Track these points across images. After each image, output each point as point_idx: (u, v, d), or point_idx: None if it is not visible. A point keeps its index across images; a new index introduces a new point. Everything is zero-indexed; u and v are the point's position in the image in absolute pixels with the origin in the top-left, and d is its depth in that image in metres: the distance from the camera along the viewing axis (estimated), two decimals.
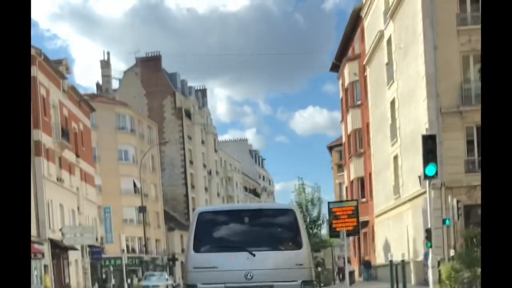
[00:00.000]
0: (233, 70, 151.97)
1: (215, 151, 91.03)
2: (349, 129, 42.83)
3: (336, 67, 47.58)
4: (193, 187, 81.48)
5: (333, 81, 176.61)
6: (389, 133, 33.66)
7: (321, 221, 35.16)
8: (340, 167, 54.35)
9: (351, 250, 47.80)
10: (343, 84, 44.96)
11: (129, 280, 55.84)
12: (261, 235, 9.27)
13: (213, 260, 9.02)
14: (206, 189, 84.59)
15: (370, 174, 39.47)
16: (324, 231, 43.14)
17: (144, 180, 66.56)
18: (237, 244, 9.07)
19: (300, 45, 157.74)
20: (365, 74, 39.74)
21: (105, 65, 77.84)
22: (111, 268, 58.12)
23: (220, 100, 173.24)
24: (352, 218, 34.15)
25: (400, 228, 32.30)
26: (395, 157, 32.78)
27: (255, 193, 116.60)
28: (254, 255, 8.91)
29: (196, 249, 9.10)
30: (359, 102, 41.38)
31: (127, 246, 63.53)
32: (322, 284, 33.91)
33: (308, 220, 35.16)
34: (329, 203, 33.43)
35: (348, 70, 42.26)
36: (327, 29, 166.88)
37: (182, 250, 72.97)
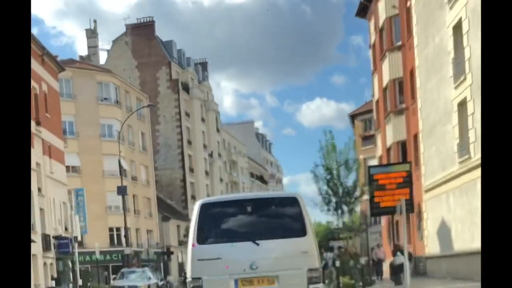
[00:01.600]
0: (240, 62, 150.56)
1: (217, 130, 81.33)
2: (385, 80, 33.03)
3: (364, 9, 37.77)
4: (191, 170, 71.88)
5: (341, 73, 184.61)
6: (451, 72, 23.89)
7: (358, 193, 25.48)
8: (366, 139, 44.54)
9: (383, 237, 38.08)
10: (376, 24, 35.16)
11: (112, 280, 46.30)
12: (265, 224, 9.13)
13: (217, 251, 8.84)
14: (207, 173, 74.94)
15: (415, 136, 29.70)
16: (359, 209, 33.57)
17: (132, 161, 56.94)
18: (240, 234, 8.98)
19: (307, 37, 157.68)
20: (408, 4, 29.99)
21: (91, 34, 68.29)
22: (89, 266, 48.89)
23: (227, 93, 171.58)
24: (403, 188, 24.65)
25: (469, 204, 22.53)
26: (462, 103, 23.02)
27: (262, 179, 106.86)
28: (258, 245, 8.81)
29: (200, 241, 8.92)
30: (399, 43, 31.58)
31: (111, 238, 54.14)
32: (326, 281, 24.52)
33: (340, 191, 25.46)
34: (370, 167, 23.91)
35: (384, 4, 32.48)
36: (335, 20, 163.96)
37: (179, 243, 63.54)
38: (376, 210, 26.10)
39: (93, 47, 68.53)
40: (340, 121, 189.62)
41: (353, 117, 49.60)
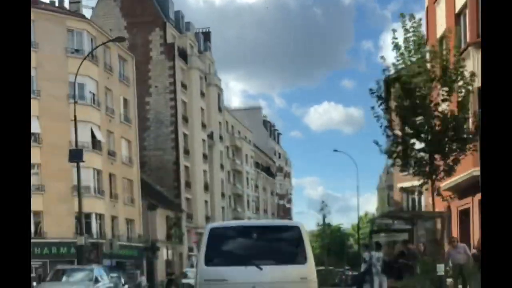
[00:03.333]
0: (249, 63, 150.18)
1: (219, 110, 70.18)
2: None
3: None
4: (186, 152, 60.74)
5: (350, 77, 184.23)
6: None
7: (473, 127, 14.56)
8: None
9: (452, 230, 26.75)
10: None
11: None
12: (268, 250, 9.73)
13: (223, 273, 9.46)
14: (205, 157, 63.74)
15: None
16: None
17: (110, 132, 45.82)
18: (245, 259, 9.53)
19: (318, 40, 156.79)
20: None
21: None
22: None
23: (235, 94, 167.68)
24: None
25: None
26: None
27: (268, 171, 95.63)
28: (261, 269, 9.37)
29: (207, 262, 9.51)
30: None
31: (78, 226, 42.78)
32: None
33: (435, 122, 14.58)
34: None
35: None
36: (346, 24, 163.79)
37: (167, 237, 52.42)
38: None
39: (75, 2, 57.45)
40: (348, 125, 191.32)
41: None
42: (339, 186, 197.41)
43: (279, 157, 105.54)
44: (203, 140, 63.10)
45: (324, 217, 48.37)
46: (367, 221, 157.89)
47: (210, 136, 66.00)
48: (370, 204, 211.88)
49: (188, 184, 60.39)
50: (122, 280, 27.78)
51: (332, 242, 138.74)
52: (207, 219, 63.09)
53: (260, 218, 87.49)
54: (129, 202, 47.73)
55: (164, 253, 46.92)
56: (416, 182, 21.48)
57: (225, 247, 9.72)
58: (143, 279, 41.67)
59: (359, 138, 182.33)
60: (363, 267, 21.12)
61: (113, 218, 45.23)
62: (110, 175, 44.85)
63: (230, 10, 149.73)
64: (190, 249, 60.14)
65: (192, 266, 57.90)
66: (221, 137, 69.83)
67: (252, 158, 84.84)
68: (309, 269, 9.57)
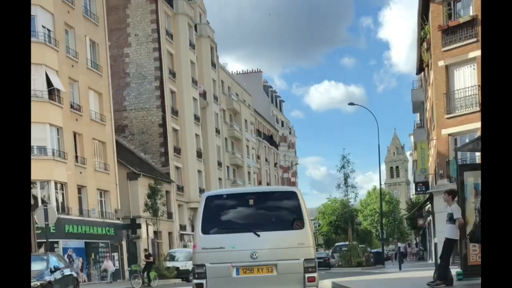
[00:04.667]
0: (248, 44, 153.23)
1: (213, 66, 60.72)
2: None
3: None
4: (175, 113, 51.45)
5: (350, 55, 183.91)
6: None
7: None
8: None
9: None
10: None
11: None
12: (266, 216, 9.69)
13: (220, 241, 9.43)
14: (197, 118, 54.38)
15: None
16: None
17: (73, 81, 36.43)
18: (242, 226, 9.52)
19: (317, 18, 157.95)
20: None
21: None
22: None
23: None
24: None
25: None
26: None
27: (271, 141, 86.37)
28: (259, 236, 9.36)
29: (204, 231, 9.48)
30: None
31: (33, 198, 33.46)
32: None
33: None
34: None
35: None
36: (346, 2, 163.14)
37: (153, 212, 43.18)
38: None
39: None
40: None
41: None
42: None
43: (282, 125, 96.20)
44: (194, 99, 53.72)
45: (346, 177, 38.41)
46: (375, 196, 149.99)
47: (203, 95, 56.63)
48: (374, 181, 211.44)
49: (177, 151, 51.25)
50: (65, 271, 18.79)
51: (340, 219, 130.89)
52: (202, 192, 54.02)
53: None
54: (102, 169, 38.50)
55: (145, 231, 37.79)
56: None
57: (222, 215, 9.71)
58: (110, 265, 32.71)
59: (361, 116, 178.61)
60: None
61: (80, 188, 36.06)
62: (75, 134, 35.60)
63: None
64: (182, 227, 51.15)
65: (185, 246, 48.99)
66: (215, 97, 60.44)
67: (252, 125, 75.52)
68: (306, 234, 9.58)
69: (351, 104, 46.48)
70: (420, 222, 62.14)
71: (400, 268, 32.66)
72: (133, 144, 49.41)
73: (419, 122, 52.44)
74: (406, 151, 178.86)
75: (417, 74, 47.25)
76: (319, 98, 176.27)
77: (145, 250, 30.74)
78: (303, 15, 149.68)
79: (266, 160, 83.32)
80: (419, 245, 73.11)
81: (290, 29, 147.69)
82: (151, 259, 29.24)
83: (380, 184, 46.69)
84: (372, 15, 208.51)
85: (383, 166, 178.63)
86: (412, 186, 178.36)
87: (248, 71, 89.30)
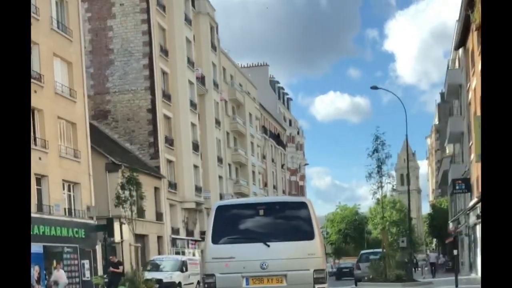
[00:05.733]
0: (254, 54, 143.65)
1: (214, 48, 53.35)
2: None
3: None
4: (167, 97, 44.05)
5: (356, 66, 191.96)
6: None
7: None
8: None
9: None
10: None
11: None
12: (276, 226, 9.63)
13: (231, 251, 9.45)
14: (193, 105, 46.90)
15: None
16: None
17: (33, 43, 28.90)
18: (253, 236, 9.53)
19: (323, 29, 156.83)
20: None
21: None
22: None
23: None
24: None
25: None
26: None
27: (278, 140, 78.86)
28: (268, 246, 9.36)
29: (214, 241, 9.51)
30: None
31: None
32: None
33: None
34: None
35: None
36: (351, 12, 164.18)
37: (139, 213, 35.59)
38: None
39: None
40: (354, 115, 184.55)
41: None
42: (346, 176, 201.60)
43: (290, 125, 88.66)
44: (191, 83, 46.32)
45: (380, 163, 30.10)
46: (386, 204, 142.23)
47: (201, 80, 49.24)
48: (377, 193, 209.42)
49: (169, 142, 43.80)
50: None
51: (350, 227, 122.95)
52: (198, 190, 46.52)
53: (268, 194, 71.05)
54: (70, 156, 31.02)
55: (119, 232, 30.07)
56: None
57: (232, 225, 9.69)
58: (61, 276, 24.99)
59: (366, 126, 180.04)
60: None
61: (39, 178, 28.55)
62: (33, 110, 28.14)
63: (235, 1, 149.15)
64: (175, 231, 43.64)
65: (178, 253, 41.51)
66: (216, 85, 53.01)
67: (257, 120, 68.02)
68: (316, 244, 9.55)
69: (374, 88, 39.29)
70: (451, 228, 54.36)
71: (456, 285, 25.16)
72: (117, 132, 42.02)
73: (453, 108, 44.96)
74: (418, 160, 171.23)
75: (455, 49, 39.93)
76: (324, 109, 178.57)
77: (112, 257, 23.31)
78: (309, 26, 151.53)
79: (273, 160, 75.82)
80: (446, 255, 65.37)
81: (297, 39, 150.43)
82: (121, 268, 21.91)
83: (408, 180, 39.00)
84: (378, 26, 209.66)
85: (393, 174, 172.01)
86: (424, 193, 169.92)
87: (254, 65, 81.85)
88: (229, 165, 57.53)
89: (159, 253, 39.23)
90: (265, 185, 70.61)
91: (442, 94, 78.00)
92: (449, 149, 57.43)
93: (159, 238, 40.86)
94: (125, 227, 27.13)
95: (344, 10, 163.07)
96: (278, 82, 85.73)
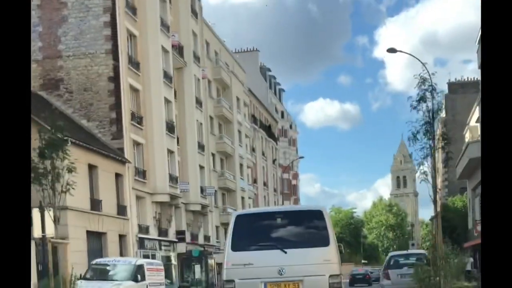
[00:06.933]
0: None
1: (195, 15, 45.25)
2: None
3: None
4: (134, 65, 35.91)
5: (347, 73, 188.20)
6: None
7: None
8: None
9: None
10: None
11: None
12: (292, 234, 10.03)
13: (249, 257, 9.82)
14: (168, 78, 38.73)
15: None
16: None
17: None
18: (270, 243, 9.84)
19: (313, 36, 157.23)
20: None
21: None
22: None
23: None
24: None
25: None
26: None
27: (269, 132, 70.73)
28: (285, 252, 9.67)
29: (234, 248, 9.90)
30: None
31: None
32: None
33: None
34: None
35: None
36: (342, 20, 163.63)
37: (93, 205, 27.59)
38: None
39: None
40: (344, 121, 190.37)
41: None
42: (335, 183, 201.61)
43: (282, 117, 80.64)
44: (165, 50, 38.21)
45: (437, 109, 22.25)
46: (382, 207, 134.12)
47: (178, 50, 41.15)
48: (368, 200, 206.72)
49: (137, 119, 35.66)
50: None
51: (344, 231, 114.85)
52: (173, 181, 38.37)
53: (258, 192, 63.03)
54: None
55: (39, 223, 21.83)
56: None
57: (251, 233, 10.07)
58: None
59: (356, 133, 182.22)
60: None
61: None
62: None
63: (225, 7, 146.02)
64: (144, 229, 35.46)
65: (147, 256, 33.40)
66: (197, 58, 44.87)
67: (246, 107, 59.96)
68: (332, 251, 9.83)
69: (391, 50, 31.61)
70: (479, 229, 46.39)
71: None
72: (71, 106, 33.83)
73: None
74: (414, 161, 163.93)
75: None
76: (314, 115, 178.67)
77: None
78: (300, 33, 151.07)
79: (263, 154, 67.71)
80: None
81: (286, 46, 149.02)
82: None
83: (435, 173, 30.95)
84: (368, 33, 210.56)
85: (388, 176, 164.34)
86: (421, 197, 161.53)
87: (242, 50, 73.75)
88: (213, 154, 49.40)
89: (123, 256, 31.06)
90: (255, 181, 62.54)
91: (449, 84, 71.00)
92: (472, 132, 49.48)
93: (122, 237, 32.63)
94: (48, 216, 18.75)
95: (335, 17, 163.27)
96: (269, 70, 77.84)
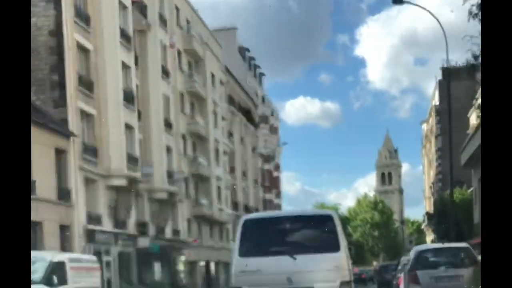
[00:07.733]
0: None
1: None
2: None
3: None
4: (83, 19, 29.49)
5: (328, 71, 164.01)
6: None
7: None
8: None
9: None
10: None
11: None
12: (302, 239, 9.87)
13: (258, 264, 9.56)
14: (126, 39, 32.32)
15: None
16: None
17: None
18: (279, 249, 9.68)
19: (294, 34, 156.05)
20: None
21: None
22: None
23: None
24: None
25: None
26: None
27: (248, 116, 64.39)
28: (295, 259, 9.46)
29: (242, 254, 9.67)
30: None
31: None
32: None
33: None
34: None
35: None
36: (322, 18, 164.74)
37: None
38: None
39: None
40: (325, 120, 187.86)
41: None
42: (315, 182, 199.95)
43: (263, 102, 74.40)
44: (123, 6, 31.84)
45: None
46: (366, 204, 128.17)
47: (140, 8, 34.79)
48: (348, 199, 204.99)
49: (86, 85, 29.23)
50: None
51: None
52: (133, 162, 32.03)
53: (236, 182, 56.86)
54: None
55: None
56: None
57: (259, 238, 9.83)
58: None
59: (336, 131, 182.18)
60: None
61: None
62: None
63: (205, 3, 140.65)
64: (94, 219, 29.07)
65: (99, 252, 27.05)
66: (163, 21, 38.47)
67: (222, 86, 53.66)
68: (342, 257, 9.62)
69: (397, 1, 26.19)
70: None
71: None
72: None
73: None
74: (400, 157, 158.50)
75: None
76: (294, 114, 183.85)
77: None
78: (280, 31, 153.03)
79: (242, 140, 61.41)
80: None
81: (266, 43, 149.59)
82: None
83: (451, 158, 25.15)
84: (349, 32, 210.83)
85: (373, 172, 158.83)
86: (406, 195, 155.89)
87: (219, 28, 67.10)
88: (183, 136, 43.04)
89: (65, 251, 24.71)
90: (232, 170, 56.27)
91: (443, 69, 65.32)
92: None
93: (63, 228, 26.22)
94: None
95: (315, 15, 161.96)
96: (248, 50, 71.44)
